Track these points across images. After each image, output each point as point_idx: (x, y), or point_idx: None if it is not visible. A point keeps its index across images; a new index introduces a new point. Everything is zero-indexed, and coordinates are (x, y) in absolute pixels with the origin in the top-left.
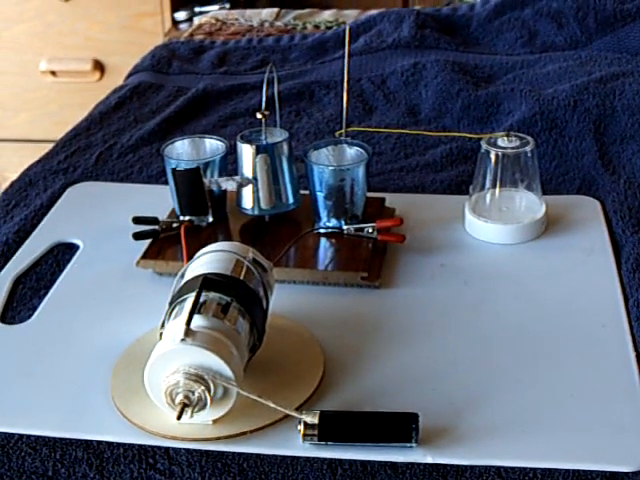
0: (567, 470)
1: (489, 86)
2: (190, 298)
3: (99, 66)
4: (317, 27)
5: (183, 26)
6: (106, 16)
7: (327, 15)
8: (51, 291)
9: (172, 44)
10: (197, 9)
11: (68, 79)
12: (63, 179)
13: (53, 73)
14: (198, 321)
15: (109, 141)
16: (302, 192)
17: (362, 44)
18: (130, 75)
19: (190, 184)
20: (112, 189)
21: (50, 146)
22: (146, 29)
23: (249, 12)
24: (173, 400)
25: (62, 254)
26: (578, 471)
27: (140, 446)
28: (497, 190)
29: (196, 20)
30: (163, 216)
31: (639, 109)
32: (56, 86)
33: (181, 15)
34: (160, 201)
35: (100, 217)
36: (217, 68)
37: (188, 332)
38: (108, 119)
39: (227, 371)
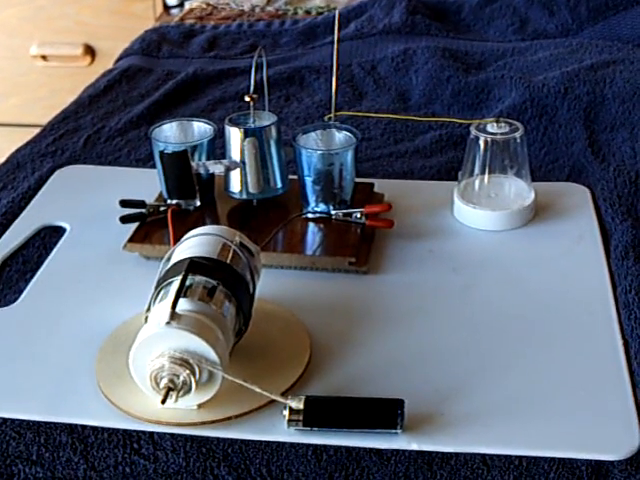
0: (553, 458)
1: (479, 73)
2: (176, 281)
3: (90, 50)
4: (308, 12)
5: (174, 11)
6: (97, 0)
7: (318, 1)
8: (37, 274)
9: (162, 28)
10: None
11: (59, 63)
12: (51, 162)
13: (44, 57)
14: (184, 305)
15: (98, 124)
16: (290, 177)
17: (353, 29)
18: (120, 59)
19: (178, 167)
20: (100, 172)
21: None
22: (137, 14)
23: None
24: (158, 384)
25: (49, 237)
26: (564, 459)
27: (125, 431)
28: (486, 176)
29: (187, 4)
30: (151, 200)
31: (629, 97)
32: (47, 70)
33: (172, 0)
34: (148, 184)
35: (87, 200)
36: (207, 52)
37: (173, 315)
38: (97, 102)
39: (212, 355)
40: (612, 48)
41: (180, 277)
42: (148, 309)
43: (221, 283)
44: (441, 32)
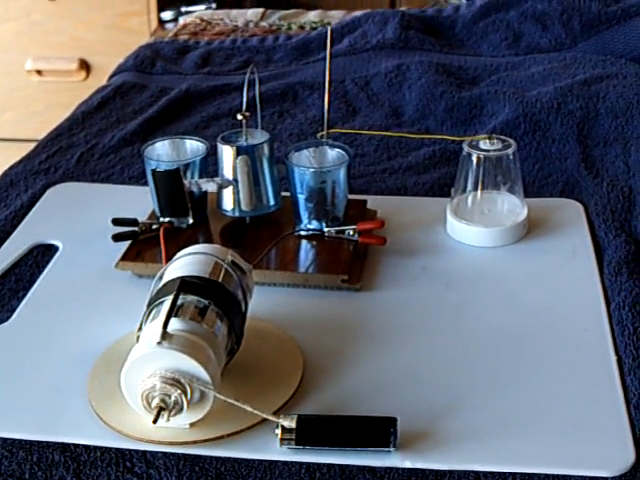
0: (547, 475)
1: (473, 88)
2: (167, 301)
3: (85, 65)
4: (302, 27)
5: (169, 26)
6: (92, 15)
7: (312, 16)
8: (30, 293)
9: (156, 44)
10: (183, 9)
11: (54, 78)
12: (44, 179)
13: (39, 72)
14: (175, 324)
15: (91, 141)
16: (283, 194)
17: (346, 45)
18: (113, 75)
19: (170, 185)
20: (93, 190)
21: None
22: (132, 29)
23: (234, 12)
24: (149, 404)
25: (41, 255)
26: (558, 475)
27: (117, 449)
28: (479, 193)
29: (181, 20)
30: (144, 217)
31: (622, 112)
32: (42, 85)
33: (167, 15)
34: (141, 202)
35: (80, 218)
36: (201, 68)
37: (165, 335)
38: (90, 119)
39: (204, 375)
40: (605, 62)
41: (171, 297)
42: (140, 328)
43: (213, 302)
44: (435, 47)
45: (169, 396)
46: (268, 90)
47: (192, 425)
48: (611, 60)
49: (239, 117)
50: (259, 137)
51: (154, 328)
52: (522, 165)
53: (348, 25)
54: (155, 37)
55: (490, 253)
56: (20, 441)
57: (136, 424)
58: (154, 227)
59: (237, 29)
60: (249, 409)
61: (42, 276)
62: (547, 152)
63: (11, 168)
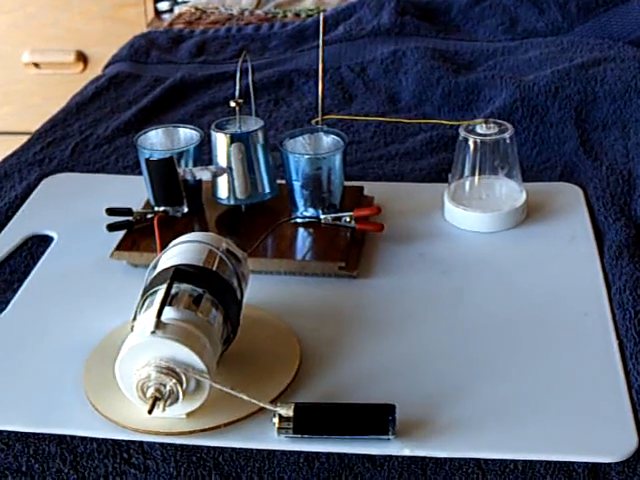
0: (549, 461)
1: (469, 73)
2: (161, 290)
3: (82, 57)
4: (297, 15)
5: (166, 16)
6: (88, 7)
7: (308, 3)
8: (24, 284)
9: (151, 34)
10: None
11: (51, 71)
12: (38, 170)
13: (36, 65)
14: (169, 313)
15: (85, 132)
16: (279, 182)
17: (341, 32)
18: (108, 65)
19: (164, 174)
20: (87, 180)
21: None
22: (129, 19)
23: (229, 1)
24: (144, 394)
25: (36, 246)
26: (560, 462)
27: (114, 440)
28: (476, 178)
29: (177, 9)
30: (139, 207)
31: (621, 95)
32: (39, 78)
33: (164, 5)
34: (136, 192)
35: (75, 209)
36: (196, 57)
37: (159, 324)
38: (85, 110)
39: (199, 364)
40: (603, 46)
41: (165, 285)
42: (134, 318)
43: (207, 291)
44: (430, 32)
45: (164, 386)
46: (263, 78)
47: (189, 415)
48: (608, 43)
49: (232, 104)
50: (253, 124)
51: (148, 317)
52: (520, 150)
53: (343, 12)
54: (151, 27)
55: (488, 238)
56: (16, 433)
57: (133, 415)
58: (149, 216)
59: (232, 17)
60: (246, 398)
61: (37, 267)
62: (545, 136)
63: (5, 160)
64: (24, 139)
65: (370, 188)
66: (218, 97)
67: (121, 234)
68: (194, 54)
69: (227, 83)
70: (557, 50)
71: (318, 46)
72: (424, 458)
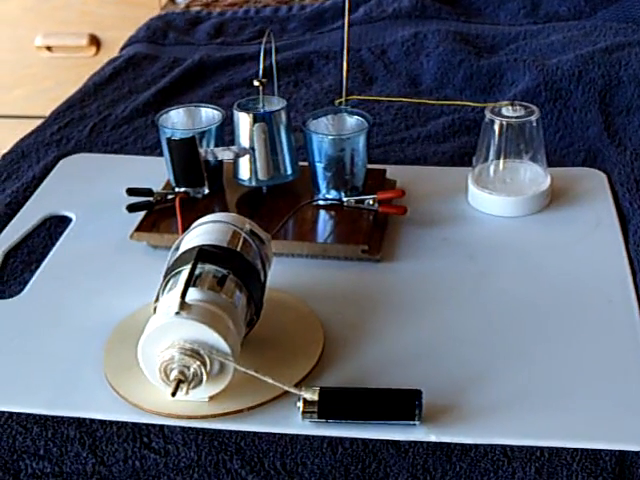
0: (575, 449)
1: (492, 56)
2: (185, 270)
3: (95, 41)
4: None
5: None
6: None
7: None
8: (43, 265)
9: (168, 15)
10: None
11: (64, 54)
12: (56, 151)
13: (48, 48)
14: (193, 294)
15: (103, 112)
16: (301, 163)
17: (362, 14)
18: (125, 47)
19: (185, 154)
20: (106, 161)
21: None
22: (142, 3)
23: None
24: (168, 376)
25: (54, 227)
26: (586, 450)
27: (134, 424)
28: (501, 161)
29: None
30: (159, 188)
31: None
32: (52, 62)
33: None
34: (155, 173)
35: (93, 189)
36: (214, 39)
37: (183, 305)
38: (102, 90)
39: (224, 346)
40: (626, 30)
41: (189, 266)
42: (157, 299)
43: (231, 272)
44: (451, 16)
45: (188, 368)
46: (283, 60)
47: (211, 398)
48: (632, 27)
49: (256, 83)
50: (276, 104)
51: (172, 298)
52: (543, 134)
53: None
54: (166, 10)
55: (512, 223)
56: (34, 416)
57: (154, 398)
58: (169, 197)
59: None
60: (270, 381)
61: (55, 248)
62: (569, 121)
63: (22, 140)
64: (36, 123)
65: (392, 171)
66: (236, 79)
67: (140, 215)
68: (212, 35)
69: (245, 65)
70: (580, 34)
71: (337, 28)
72: (449, 444)
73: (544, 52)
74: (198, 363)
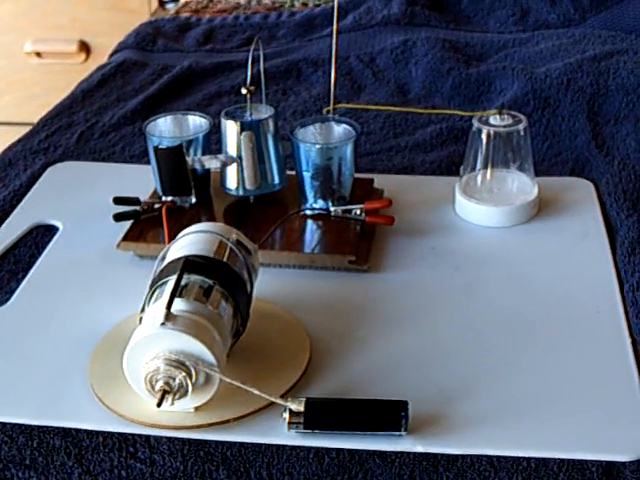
0: (562, 459)
1: (480, 64)
2: (171, 281)
3: (85, 47)
4: (305, 4)
5: (170, 6)
6: None
7: None
8: (29, 274)
9: (157, 21)
10: None
11: (53, 60)
12: (43, 159)
13: (38, 54)
14: (179, 305)
15: (91, 120)
16: (288, 172)
17: (351, 21)
18: (114, 53)
19: (172, 163)
20: (93, 169)
21: None
22: (132, 9)
23: None
24: (153, 387)
25: (41, 236)
26: (574, 460)
27: (120, 434)
28: (488, 171)
29: None
30: (146, 197)
31: (633, 88)
32: (41, 68)
33: None
34: (143, 181)
35: (81, 198)
36: (203, 46)
37: (168, 316)
38: (91, 97)
39: (209, 357)
40: (615, 38)
41: (175, 276)
42: (142, 310)
43: (217, 282)
44: (441, 23)
45: (173, 379)
46: (271, 67)
47: (197, 409)
48: (621, 36)
49: (243, 91)
50: (264, 112)
51: (157, 309)
52: (531, 143)
53: (353, 1)
54: (156, 16)
55: (500, 233)
56: (20, 426)
57: (139, 408)
58: (156, 206)
59: (239, 6)
60: (256, 392)
61: (42, 257)
62: (557, 130)
63: (10, 148)
64: (25, 129)
65: (380, 180)
66: (225, 86)
67: (127, 224)
68: (201, 42)
69: (234, 72)
70: (569, 42)
71: (327, 35)
72: (436, 455)
73: (533, 60)
74: (183, 374)
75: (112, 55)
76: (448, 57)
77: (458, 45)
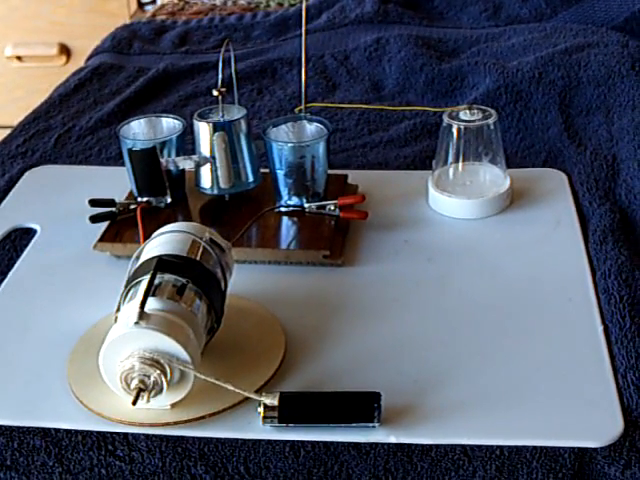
0: (535, 447)
1: (453, 60)
2: (144, 280)
3: (65, 50)
4: (280, 5)
5: (149, 7)
6: None
7: None
8: (8, 277)
9: (133, 25)
10: None
11: (34, 64)
12: (21, 163)
13: (19, 58)
14: (153, 304)
15: (68, 124)
16: (262, 170)
17: (325, 20)
18: (91, 57)
19: (146, 164)
20: (70, 172)
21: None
22: (112, 12)
23: None
24: (128, 385)
25: (19, 239)
26: (546, 447)
27: (99, 433)
28: (460, 164)
29: (159, 0)
30: (122, 198)
31: (604, 80)
32: (22, 71)
33: None
34: (119, 183)
35: (58, 201)
36: (178, 47)
37: (142, 315)
38: (67, 101)
39: (183, 354)
40: (586, 32)
41: (148, 276)
42: (118, 309)
43: (191, 281)
44: (414, 20)
45: (148, 377)
46: (246, 67)
47: (173, 406)
48: (592, 29)
49: (215, 93)
50: (236, 113)
51: (131, 308)
52: (504, 136)
53: (326, 0)
54: (133, 19)
55: (473, 225)
56: (0, 427)
57: (117, 406)
58: (132, 207)
59: (215, 8)
60: (230, 388)
61: (20, 260)
62: (529, 122)
63: None
64: (6, 132)
65: (354, 176)
66: (201, 87)
67: (104, 225)
68: (177, 44)
69: (210, 73)
70: (540, 36)
71: (301, 35)
72: (410, 445)
73: (505, 55)
74: (158, 372)
75: (89, 59)
76: (421, 53)
77: (431, 41)
